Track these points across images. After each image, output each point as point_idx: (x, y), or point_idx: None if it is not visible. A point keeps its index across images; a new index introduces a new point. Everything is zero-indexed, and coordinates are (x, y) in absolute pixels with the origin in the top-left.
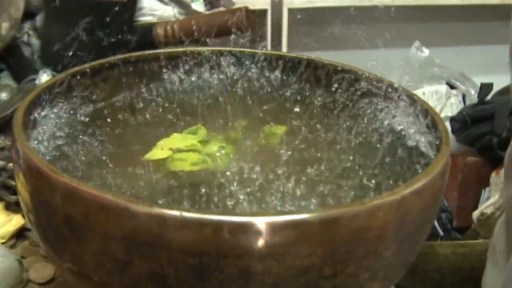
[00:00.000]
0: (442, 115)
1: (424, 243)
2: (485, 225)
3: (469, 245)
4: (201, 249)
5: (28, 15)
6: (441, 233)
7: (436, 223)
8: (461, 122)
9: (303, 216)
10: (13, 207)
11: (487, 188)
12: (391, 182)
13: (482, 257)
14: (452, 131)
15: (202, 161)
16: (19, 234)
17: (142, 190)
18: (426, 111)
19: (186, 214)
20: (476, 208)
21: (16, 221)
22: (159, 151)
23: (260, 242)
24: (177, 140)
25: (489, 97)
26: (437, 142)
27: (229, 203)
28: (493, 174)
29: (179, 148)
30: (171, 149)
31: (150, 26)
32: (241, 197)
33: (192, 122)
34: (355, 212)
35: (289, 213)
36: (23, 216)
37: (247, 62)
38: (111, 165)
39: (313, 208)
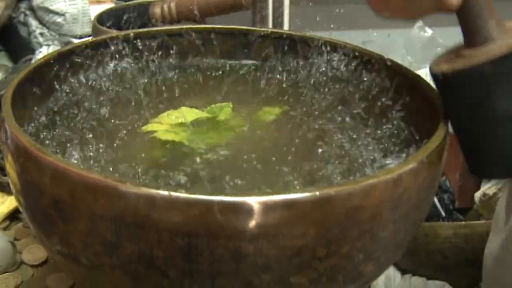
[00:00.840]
0: None
1: (425, 224)
2: (487, 206)
3: (471, 226)
4: (191, 230)
5: None
6: (443, 214)
7: (438, 204)
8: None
9: (295, 196)
10: (7, 189)
11: None
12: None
13: (484, 238)
14: None
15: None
16: (13, 216)
17: (127, 161)
18: (425, 89)
19: (175, 194)
20: (478, 189)
21: (9, 202)
22: (155, 124)
23: (252, 223)
24: (183, 113)
25: None
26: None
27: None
28: None
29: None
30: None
31: (146, 5)
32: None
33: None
34: (349, 191)
35: (281, 192)
36: None
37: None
38: (103, 139)
39: (306, 187)
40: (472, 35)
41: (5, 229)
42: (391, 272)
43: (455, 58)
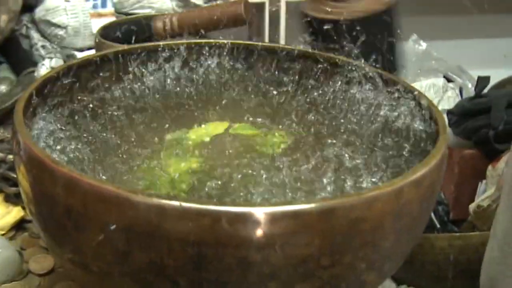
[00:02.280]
0: (439, 108)
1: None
2: (482, 218)
3: (465, 237)
4: (200, 239)
5: (27, 7)
6: (438, 226)
7: (433, 216)
8: (458, 115)
9: (301, 207)
10: (12, 199)
11: (484, 181)
12: (389, 174)
13: (478, 249)
14: (449, 124)
15: None
16: (19, 226)
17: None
18: (424, 103)
19: (185, 205)
20: (472, 200)
21: (15, 213)
22: None
23: (259, 232)
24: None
25: (486, 91)
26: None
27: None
28: (490, 167)
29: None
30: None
31: (148, 19)
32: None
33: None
34: (352, 202)
35: (288, 203)
36: (23, 208)
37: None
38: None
39: (312, 199)
40: None
41: (11, 238)
42: (387, 283)
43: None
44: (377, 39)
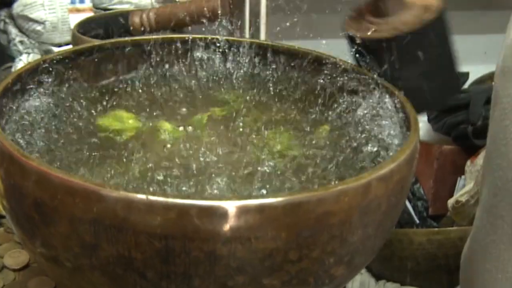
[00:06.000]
0: None
1: (400, 231)
2: (460, 213)
3: (443, 232)
4: (167, 233)
5: (5, 3)
6: (417, 221)
7: (412, 211)
8: (437, 111)
9: (267, 200)
10: None
11: (463, 176)
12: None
13: (456, 244)
14: (429, 120)
15: None
16: None
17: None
18: (396, 98)
19: (152, 198)
20: (451, 196)
21: None
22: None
23: (225, 226)
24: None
25: (465, 86)
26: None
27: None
28: (468, 162)
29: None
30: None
31: (125, 14)
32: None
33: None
34: (319, 197)
35: (254, 197)
36: None
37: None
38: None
39: (278, 193)
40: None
41: None
42: (366, 278)
43: (364, 24)
44: (435, 52)
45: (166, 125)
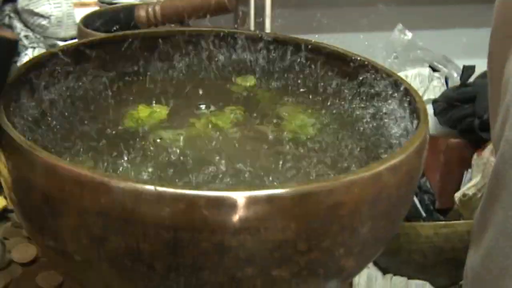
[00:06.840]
0: (425, 97)
1: (407, 224)
2: (467, 206)
3: (451, 225)
4: (175, 224)
5: None
6: (424, 215)
7: (418, 205)
8: (443, 104)
9: (276, 191)
10: None
11: (469, 170)
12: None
13: (463, 237)
14: (435, 113)
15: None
16: (1, 216)
17: None
18: (406, 91)
19: (160, 189)
20: (458, 189)
21: None
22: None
23: (234, 217)
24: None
25: (471, 80)
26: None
27: None
28: (475, 156)
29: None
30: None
31: (131, 8)
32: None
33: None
34: (329, 187)
35: (263, 187)
36: (5, 198)
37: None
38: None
39: (287, 183)
40: None
41: None
42: (373, 272)
43: None
44: None
45: (193, 120)
